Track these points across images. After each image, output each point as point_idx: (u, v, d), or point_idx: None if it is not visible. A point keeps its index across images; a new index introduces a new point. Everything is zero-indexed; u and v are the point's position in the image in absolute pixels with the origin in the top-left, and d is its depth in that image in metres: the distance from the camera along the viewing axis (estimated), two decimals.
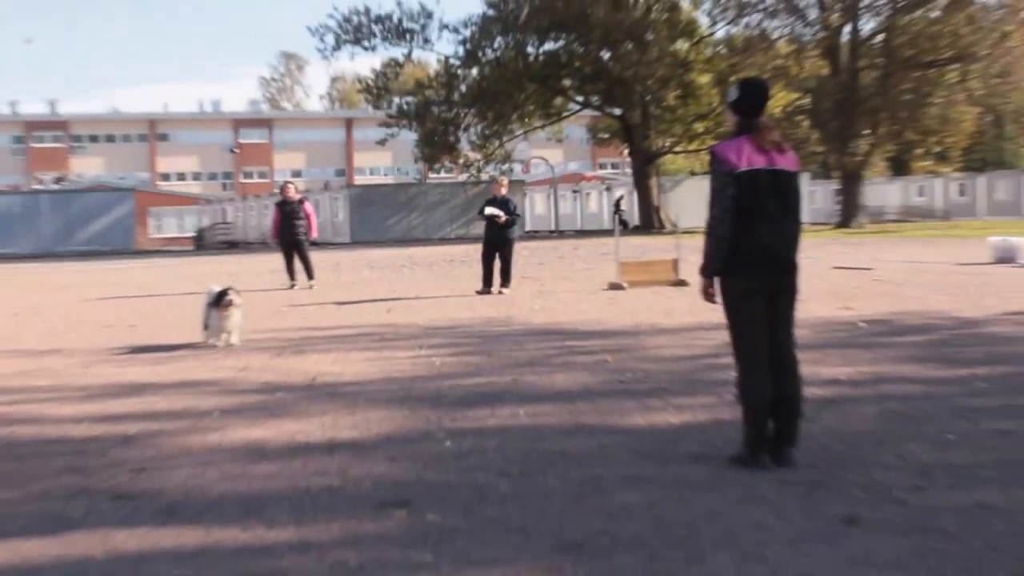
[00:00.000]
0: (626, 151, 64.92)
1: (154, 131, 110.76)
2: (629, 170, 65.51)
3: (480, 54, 57.34)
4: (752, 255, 6.19)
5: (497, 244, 19.19)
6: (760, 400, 6.23)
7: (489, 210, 19.18)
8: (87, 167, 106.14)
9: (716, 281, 6.36)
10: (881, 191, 67.43)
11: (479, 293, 18.98)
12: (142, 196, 71.84)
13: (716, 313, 6.58)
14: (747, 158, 6.18)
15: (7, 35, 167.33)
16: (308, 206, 22.76)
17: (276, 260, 24.46)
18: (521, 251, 23.32)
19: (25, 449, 7.31)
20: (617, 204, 21.27)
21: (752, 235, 6.17)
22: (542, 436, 7.26)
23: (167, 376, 10.44)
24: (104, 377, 10.48)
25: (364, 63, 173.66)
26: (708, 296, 6.44)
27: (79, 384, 10.07)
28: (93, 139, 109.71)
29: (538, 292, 19.21)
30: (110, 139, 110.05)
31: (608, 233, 36.87)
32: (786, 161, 6.31)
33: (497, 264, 19.16)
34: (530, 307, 16.43)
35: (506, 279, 19.24)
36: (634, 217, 54.63)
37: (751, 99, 6.42)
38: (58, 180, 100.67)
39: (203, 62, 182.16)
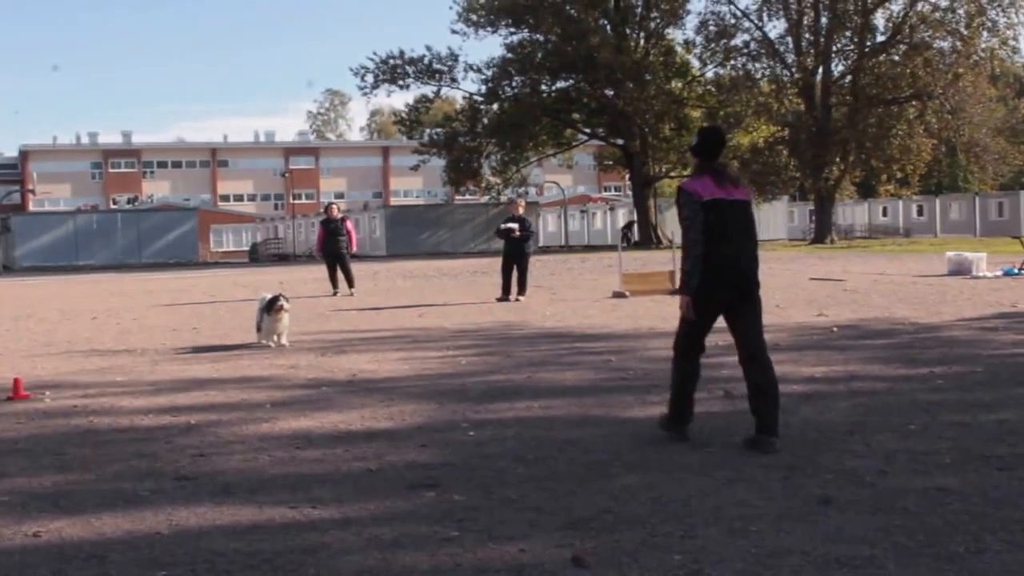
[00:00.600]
0: (627, 176, 64.93)
1: (215, 158, 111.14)
2: (630, 193, 65.37)
3: (500, 91, 57.50)
4: (718, 268, 6.31)
5: (515, 257, 19.16)
6: (685, 381, 6.52)
7: (506, 225, 19.21)
8: (156, 189, 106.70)
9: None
10: (850, 211, 67.40)
11: (499, 300, 18.96)
12: (204, 215, 72.02)
13: None
14: (709, 191, 6.36)
15: (86, 78, 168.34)
16: (349, 224, 22.85)
17: (321, 271, 24.47)
18: (535, 264, 23.27)
19: (101, 437, 7.31)
20: (629, 225, 21.34)
21: (718, 252, 6.29)
22: (554, 426, 7.23)
23: (225, 373, 10.44)
24: (169, 374, 10.49)
25: (399, 99, 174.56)
26: (689, 313, 6.43)
27: (148, 380, 10.07)
28: (162, 165, 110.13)
29: (550, 300, 19.17)
30: (177, 165, 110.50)
31: (612, 248, 36.84)
32: (740, 193, 6.53)
33: (514, 275, 19.14)
34: (543, 313, 16.39)
35: (522, 288, 19.21)
36: (635, 234, 54.81)
37: (709, 145, 6.61)
38: (131, 201, 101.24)
39: (259, 99, 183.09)
